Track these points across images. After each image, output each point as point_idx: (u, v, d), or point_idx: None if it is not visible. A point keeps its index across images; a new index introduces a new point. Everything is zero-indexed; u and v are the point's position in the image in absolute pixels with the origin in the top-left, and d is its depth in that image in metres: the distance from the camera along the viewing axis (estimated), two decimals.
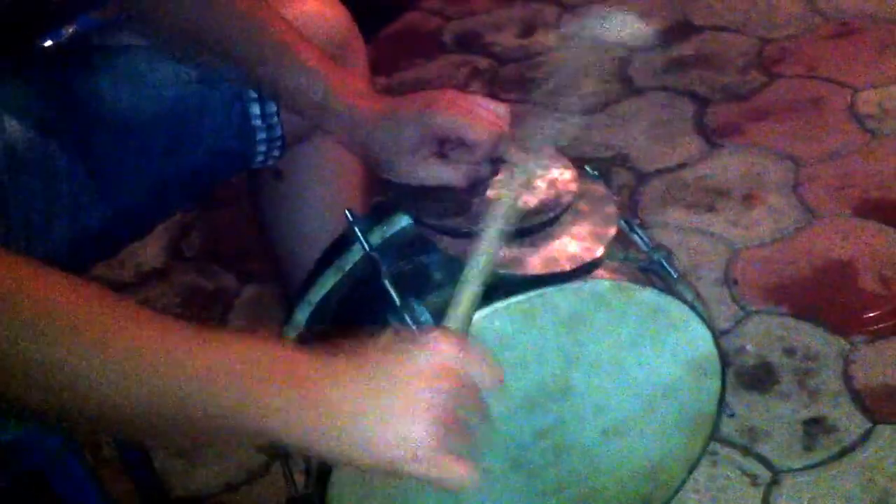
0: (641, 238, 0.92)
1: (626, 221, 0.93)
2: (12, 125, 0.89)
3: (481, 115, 0.89)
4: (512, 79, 2.12)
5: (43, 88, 0.93)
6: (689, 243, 1.66)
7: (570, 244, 0.84)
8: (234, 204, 1.71)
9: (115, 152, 0.95)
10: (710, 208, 1.73)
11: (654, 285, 0.86)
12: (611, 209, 0.89)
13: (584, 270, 0.83)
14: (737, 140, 1.88)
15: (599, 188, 0.92)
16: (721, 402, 0.96)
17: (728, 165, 1.82)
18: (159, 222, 1.08)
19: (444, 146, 0.89)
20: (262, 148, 1.02)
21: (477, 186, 0.89)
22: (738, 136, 1.89)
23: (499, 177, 0.90)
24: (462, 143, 0.89)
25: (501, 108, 0.90)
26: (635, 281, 0.85)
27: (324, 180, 1.07)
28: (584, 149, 1.89)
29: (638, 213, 1.73)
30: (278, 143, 1.02)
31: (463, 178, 0.89)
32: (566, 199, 0.88)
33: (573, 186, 0.89)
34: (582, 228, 0.86)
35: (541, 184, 0.89)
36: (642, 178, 1.82)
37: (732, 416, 1.02)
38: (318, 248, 0.95)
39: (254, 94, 0.99)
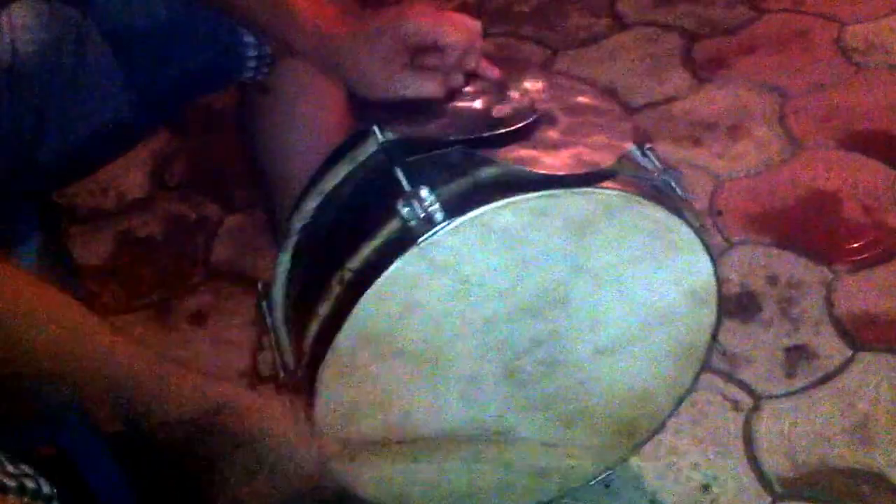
0: (653, 160, 0.91)
1: (637, 145, 0.92)
2: (15, 42, 0.88)
3: (455, 22, 0.89)
4: (498, 13, 2.10)
5: (40, 9, 0.91)
6: None
7: (585, 152, 0.84)
8: (218, 132, 1.70)
9: (106, 66, 0.95)
10: (697, 141, 1.73)
11: (664, 204, 0.85)
12: (626, 126, 0.89)
13: (596, 177, 0.83)
14: (724, 74, 1.88)
15: (615, 107, 0.92)
16: (714, 335, 0.96)
17: (715, 99, 1.82)
18: (145, 137, 1.07)
19: (417, 58, 0.89)
20: (252, 64, 1.01)
21: (451, 99, 0.89)
22: (725, 69, 1.89)
23: (468, 88, 0.90)
24: (435, 49, 0.88)
25: (471, 20, 0.90)
26: (646, 196, 0.85)
27: (311, 95, 1.06)
28: None
29: None
30: (268, 60, 1.02)
31: (439, 87, 0.88)
32: (540, 105, 0.88)
33: (545, 95, 0.89)
34: (597, 139, 0.86)
35: (513, 93, 0.89)
36: (630, 111, 1.81)
37: (724, 353, 1.02)
38: (304, 164, 0.95)
39: None
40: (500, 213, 0.79)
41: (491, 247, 0.80)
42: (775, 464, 1.23)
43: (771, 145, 1.70)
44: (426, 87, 0.88)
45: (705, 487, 1.21)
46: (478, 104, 0.89)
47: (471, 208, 0.78)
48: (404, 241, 0.78)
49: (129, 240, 1.65)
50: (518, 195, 0.79)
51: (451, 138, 0.84)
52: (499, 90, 0.90)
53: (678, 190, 0.88)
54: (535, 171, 0.81)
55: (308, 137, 1.03)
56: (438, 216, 0.78)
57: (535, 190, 0.79)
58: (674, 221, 0.86)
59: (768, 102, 1.79)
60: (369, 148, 0.89)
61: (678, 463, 1.24)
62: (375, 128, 0.88)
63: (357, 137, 0.90)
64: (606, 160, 0.83)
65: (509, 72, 0.92)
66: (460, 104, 0.89)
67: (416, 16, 0.88)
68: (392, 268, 0.78)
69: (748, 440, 1.26)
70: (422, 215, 0.78)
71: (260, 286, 0.96)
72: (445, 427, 0.93)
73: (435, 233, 0.77)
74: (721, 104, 1.80)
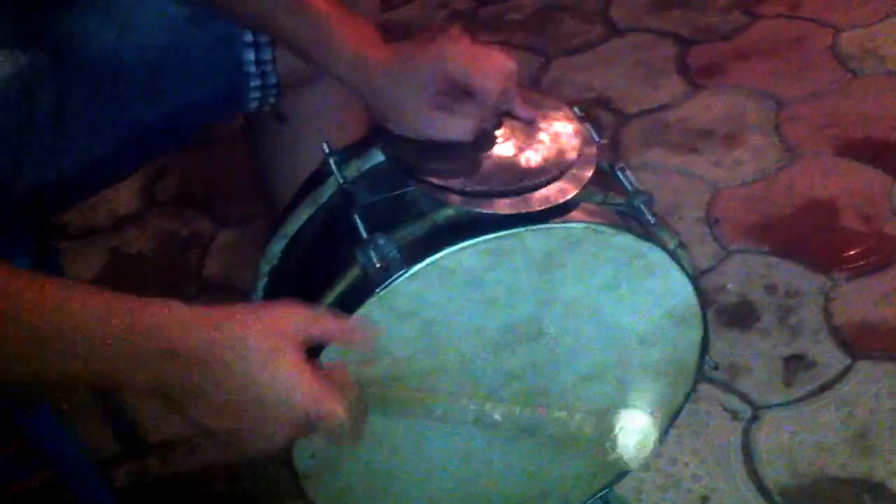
0: (625, 181, 0.89)
1: (609, 164, 0.90)
2: None
3: (493, 65, 0.86)
4: (491, 20, 2.10)
5: (28, 27, 0.90)
6: (671, 184, 1.65)
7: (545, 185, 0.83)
8: (209, 148, 1.69)
9: (96, 96, 0.93)
10: (693, 149, 1.72)
11: (631, 230, 0.84)
12: (590, 151, 0.87)
13: (556, 212, 0.81)
14: (719, 81, 1.87)
15: (584, 129, 0.89)
16: (703, 353, 0.95)
17: (710, 106, 1.81)
18: (139, 168, 1.06)
19: (450, 99, 0.86)
20: (256, 94, 1.00)
21: (480, 142, 0.86)
22: (721, 76, 1.88)
23: (501, 131, 0.87)
24: (470, 93, 0.85)
25: (511, 61, 0.87)
26: (611, 225, 0.83)
27: (326, 126, 1.04)
28: (566, 90, 1.88)
29: (620, 154, 1.72)
30: (273, 91, 1.00)
31: (469, 131, 0.86)
32: (569, 155, 0.85)
33: (576, 142, 0.86)
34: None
35: (544, 136, 0.87)
36: (625, 119, 1.81)
37: (716, 368, 1.01)
38: None
39: (248, 39, 0.96)
40: (459, 256, 0.78)
41: (453, 289, 0.80)
42: (775, 474, 1.23)
43: (767, 153, 1.69)
44: (456, 130, 0.86)
45: (705, 499, 1.21)
46: (506, 150, 0.86)
47: (429, 253, 0.77)
48: (363, 290, 0.78)
49: (120, 255, 1.64)
50: (475, 237, 0.78)
51: (469, 189, 0.82)
52: (529, 132, 0.88)
53: (647, 214, 0.86)
54: (494, 210, 0.80)
55: (315, 166, 1.01)
56: (396, 263, 0.77)
57: (493, 230, 0.78)
58: (642, 246, 0.84)
59: (764, 110, 1.78)
60: (329, 189, 0.88)
61: (677, 474, 1.23)
62: (334, 167, 0.86)
63: (317, 177, 0.89)
64: (565, 192, 0.82)
65: (541, 109, 0.89)
66: (488, 149, 0.86)
67: (455, 54, 0.85)
68: (352, 318, 0.78)
69: (748, 451, 1.26)
70: (379, 264, 0.77)
71: None
72: (432, 462, 0.92)
73: (393, 281, 0.77)
74: (717, 111, 1.80)
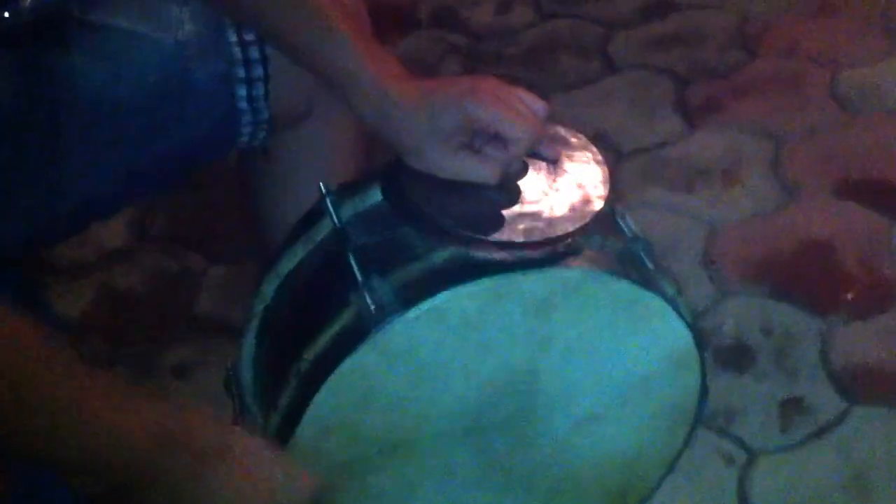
0: (624, 226, 0.88)
1: (609, 207, 0.89)
2: None
3: (523, 112, 0.83)
4: (489, 56, 2.09)
5: (11, 66, 0.89)
6: (668, 222, 1.64)
7: (545, 226, 0.81)
8: (201, 182, 1.67)
9: (87, 137, 0.91)
10: (690, 187, 1.71)
11: (629, 276, 0.83)
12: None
13: (554, 256, 0.80)
14: (717, 118, 1.86)
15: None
16: (702, 398, 0.94)
17: (708, 144, 1.80)
18: (129, 206, 1.05)
19: (476, 139, 0.84)
20: (248, 129, 0.99)
21: (504, 184, 0.84)
22: (718, 114, 1.87)
23: (528, 176, 0.85)
24: (498, 138, 0.83)
25: (540, 105, 0.84)
26: (610, 270, 0.82)
27: (315, 164, 1.03)
28: None
29: (617, 192, 1.70)
30: (264, 126, 0.99)
31: (495, 174, 0.83)
32: (596, 204, 0.83)
33: (605, 188, 0.84)
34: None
35: (569, 181, 0.85)
36: (621, 156, 1.80)
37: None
38: None
39: (241, 75, 0.95)
40: (455, 300, 0.77)
41: (448, 333, 0.79)
42: None
43: (765, 193, 1.68)
44: (481, 173, 0.83)
45: None
46: (530, 195, 0.84)
47: (424, 296, 0.76)
48: (357, 333, 0.77)
49: (110, 291, 1.62)
50: (472, 281, 0.77)
51: (492, 239, 0.80)
52: (555, 176, 0.85)
53: (646, 260, 0.85)
54: (490, 253, 0.79)
55: (308, 206, 1.00)
56: (391, 307, 0.76)
57: (490, 273, 0.77)
58: (639, 293, 0.83)
59: (762, 149, 1.77)
60: (324, 228, 0.87)
61: None
62: (330, 206, 0.85)
63: (313, 216, 0.88)
64: (568, 234, 0.81)
65: (566, 148, 0.87)
66: (509, 192, 0.84)
67: (484, 98, 0.82)
68: (346, 362, 0.77)
69: (743, 497, 1.24)
70: (374, 306, 0.76)
71: (228, 365, 0.95)
72: None
73: (388, 324, 0.76)
74: (714, 150, 1.79)
